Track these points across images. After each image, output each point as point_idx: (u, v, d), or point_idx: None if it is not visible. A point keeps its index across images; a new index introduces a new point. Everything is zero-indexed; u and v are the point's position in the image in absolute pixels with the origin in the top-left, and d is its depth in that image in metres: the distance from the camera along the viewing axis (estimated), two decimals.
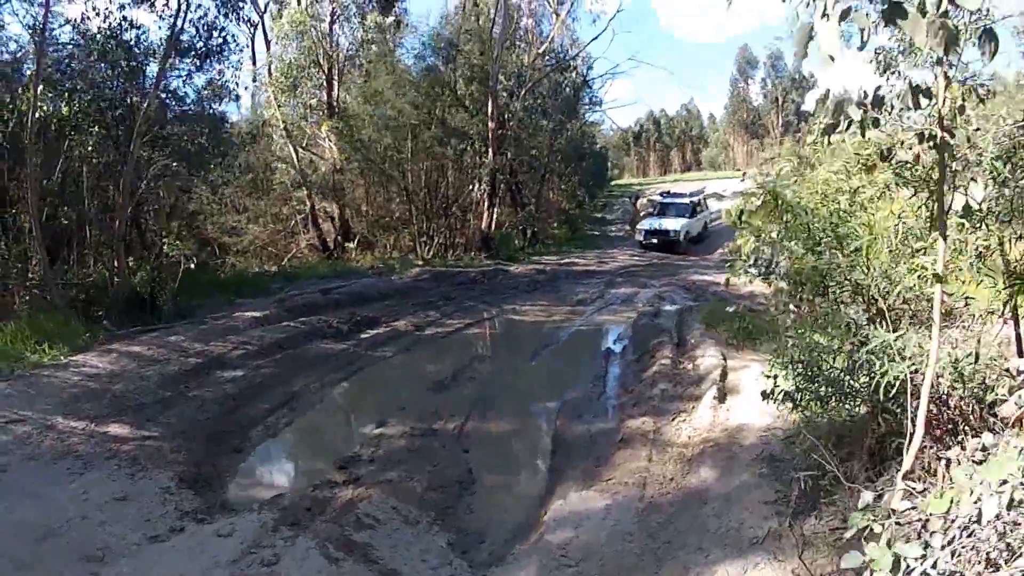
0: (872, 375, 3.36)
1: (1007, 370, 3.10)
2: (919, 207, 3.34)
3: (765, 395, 4.52)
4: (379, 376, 9.68)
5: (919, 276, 3.49)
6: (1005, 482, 2.11)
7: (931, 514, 2.23)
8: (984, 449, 2.49)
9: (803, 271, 3.86)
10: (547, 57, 23.87)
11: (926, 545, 2.15)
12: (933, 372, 2.72)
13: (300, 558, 4.36)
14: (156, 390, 7.60)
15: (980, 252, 3.48)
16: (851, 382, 3.81)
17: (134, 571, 4.11)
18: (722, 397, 6.59)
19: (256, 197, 19.06)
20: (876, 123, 2.70)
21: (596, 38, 34.44)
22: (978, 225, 3.40)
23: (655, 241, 21.91)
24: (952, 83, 2.57)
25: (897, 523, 2.38)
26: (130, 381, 7.69)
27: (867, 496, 2.51)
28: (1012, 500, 2.07)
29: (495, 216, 20.97)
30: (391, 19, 20.14)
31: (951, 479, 2.36)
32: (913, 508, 2.41)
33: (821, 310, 4.09)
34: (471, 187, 21.00)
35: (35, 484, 5.10)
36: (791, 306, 4.38)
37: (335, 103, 19.85)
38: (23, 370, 7.47)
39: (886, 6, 1.98)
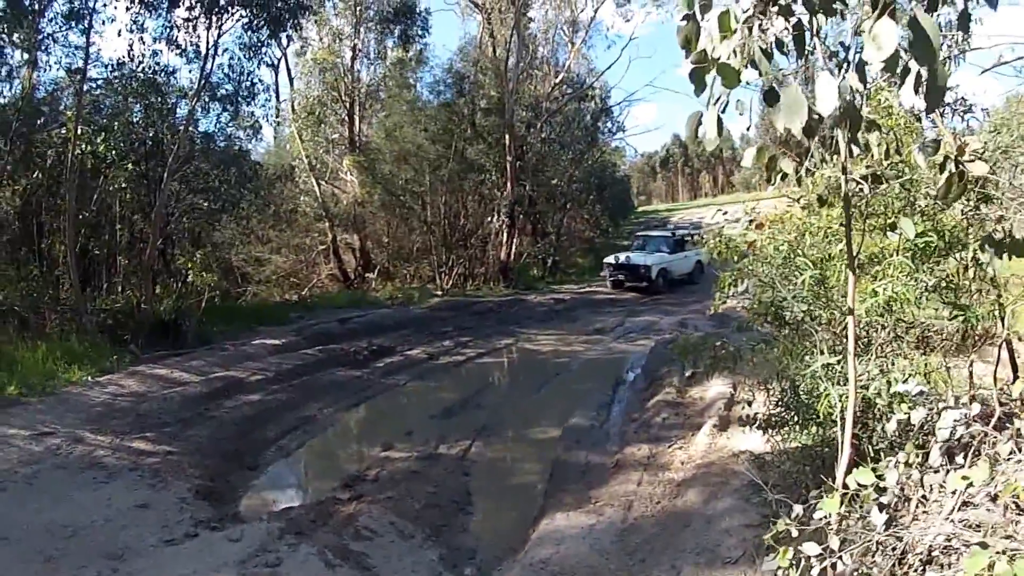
0: (817, 398, 3.71)
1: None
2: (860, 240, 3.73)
3: (742, 421, 4.90)
4: (390, 402, 10.21)
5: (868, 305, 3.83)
6: (884, 490, 2.55)
7: (827, 514, 2.64)
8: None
9: (762, 302, 4.30)
10: (564, 87, 24.51)
11: (825, 546, 2.55)
12: (854, 397, 3.02)
13: (301, 562, 4.84)
14: (178, 410, 8.22)
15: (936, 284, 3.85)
16: (815, 406, 4.17)
17: (150, 568, 4.65)
18: (724, 425, 6.89)
19: (279, 229, 19.98)
20: (810, 173, 3.15)
21: (610, 67, 35.03)
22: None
23: (621, 278, 19.98)
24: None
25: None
26: (154, 401, 8.35)
27: (797, 508, 2.83)
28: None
29: (514, 246, 21.56)
30: (411, 54, 21.16)
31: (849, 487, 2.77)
32: (825, 518, 2.79)
33: (784, 338, 4.47)
34: (490, 218, 21.68)
35: (63, 490, 5.74)
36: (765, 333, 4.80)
37: (356, 137, 20.83)
38: (54, 388, 8.20)
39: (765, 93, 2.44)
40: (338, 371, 11.14)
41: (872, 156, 3.27)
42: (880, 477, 2.69)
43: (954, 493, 2.51)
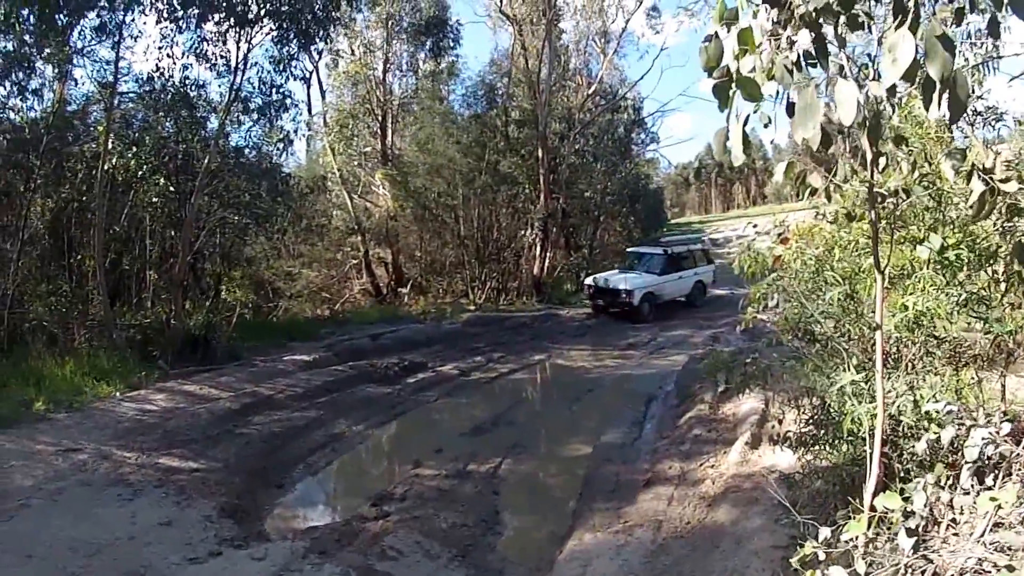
0: (844, 415, 3.60)
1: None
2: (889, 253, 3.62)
3: (773, 440, 4.74)
4: (420, 419, 10.19)
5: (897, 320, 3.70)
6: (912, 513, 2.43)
7: (854, 537, 2.51)
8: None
9: (789, 319, 4.18)
10: (597, 98, 24.51)
11: (852, 570, 2.44)
12: (883, 415, 2.97)
13: None
14: (206, 427, 8.34)
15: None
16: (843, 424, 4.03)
17: None
18: (756, 442, 6.71)
19: (311, 243, 20.24)
20: (838, 187, 3.05)
21: (642, 77, 35.27)
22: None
23: (601, 303, 18.22)
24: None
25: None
26: (182, 418, 8.49)
27: (824, 532, 2.79)
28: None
29: (548, 260, 21.50)
30: (443, 66, 21.38)
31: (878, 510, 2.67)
32: (850, 542, 2.68)
33: (814, 354, 4.35)
34: (523, 232, 21.65)
35: (88, 506, 5.88)
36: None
37: (388, 150, 21.07)
38: (82, 404, 8.36)
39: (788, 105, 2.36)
40: (369, 387, 11.20)
41: (900, 169, 3.19)
42: (907, 500, 2.65)
43: (985, 515, 2.46)
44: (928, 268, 3.74)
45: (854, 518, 2.83)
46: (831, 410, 4.10)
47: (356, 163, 21.42)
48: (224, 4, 11.10)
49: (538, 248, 21.31)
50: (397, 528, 5.96)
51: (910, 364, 3.91)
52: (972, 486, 2.65)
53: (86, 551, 5.06)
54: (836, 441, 4.13)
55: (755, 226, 5.46)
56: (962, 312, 3.78)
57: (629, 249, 20.98)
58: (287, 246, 18.73)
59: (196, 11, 11.05)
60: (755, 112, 2.34)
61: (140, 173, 11.70)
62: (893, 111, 3.43)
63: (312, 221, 19.13)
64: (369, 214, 21.60)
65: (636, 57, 48.78)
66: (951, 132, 4.15)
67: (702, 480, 6.32)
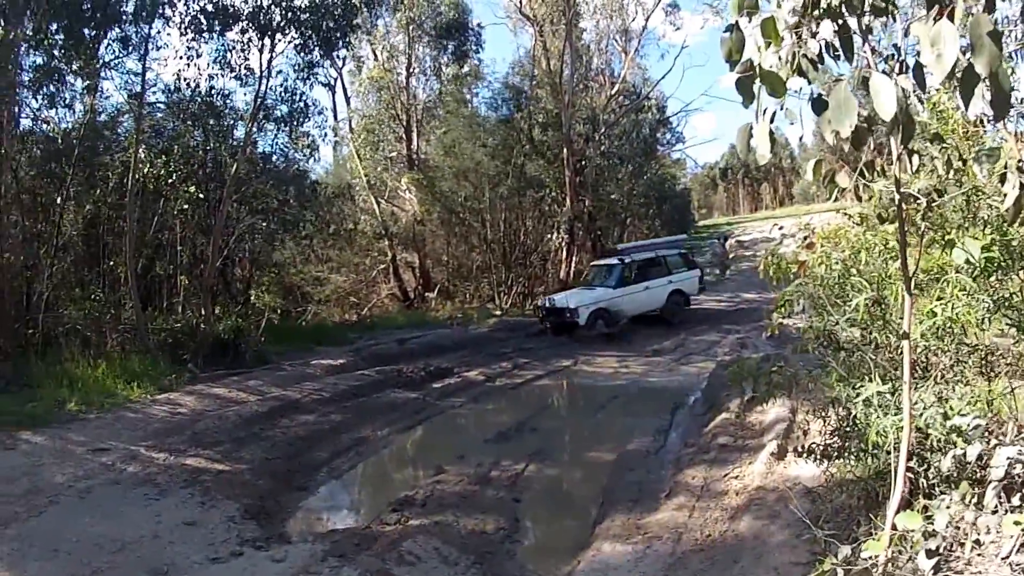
0: (868, 428, 3.53)
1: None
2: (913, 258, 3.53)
3: (797, 452, 4.66)
4: (445, 425, 10.26)
5: (925, 327, 3.61)
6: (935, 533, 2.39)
7: (874, 556, 2.48)
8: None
9: (813, 327, 4.12)
10: (620, 97, 24.44)
11: None
12: (909, 429, 2.91)
13: None
14: (233, 429, 8.52)
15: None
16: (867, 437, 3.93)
17: None
18: (782, 452, 6.59)
19: (339, 248, 20.55)
20: (867, 187, 2.99)
21: (664, 76, 35.00)
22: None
23: (548, 324, 16.62)
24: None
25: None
26: (210, 420, 8.70)
27: (844, 550, 2.77)
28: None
29: (574, 263, 21.47)
30: (466, 69, 21.56)
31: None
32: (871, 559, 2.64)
33: (840, 363, 4.27)
34: (550, 235, 21.68)
35: (115, 505, 6.06)
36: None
37: (414, 155, 21.30)
38: (113, 405, 8.63)
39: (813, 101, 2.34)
40: (394, 392, 11.29)
41: (935, 168, 3.11)
42: (929, 519, 2.60)
43: (1012, 537, 2.39)
44: (958, 272, 3.60)
45: (875, 536, 2.78)
46: (857, 421, 3.97)
47: (382, 168, 21.73)
48: (246, 14, 11.39)
49: (564, 252, 21.32)
50: (416, 533, 5.98)
51: (940, 374, 3.78)
52: (999, 505, 2.58)
53: (111, 548, 5.20)
54: (861, 454, 4.01)
55: (780, 228, 5.40)
56: (995, 318, 3.65)
57: (592, 263, 19.33)
58: (315, 251, 19.07)
59: (219, 22, 11.38)
60: (781, 108, 2.32)
61: (170, 181, 12.05)
62: (922, 105, 3.35)
63: (340, 226, 19.45)
64: (396, 219, 21.86)
65: (657, 57, 48.78)
66: (983, 127, 4.06)
67: (725, 491, 6.21)
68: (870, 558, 2.63)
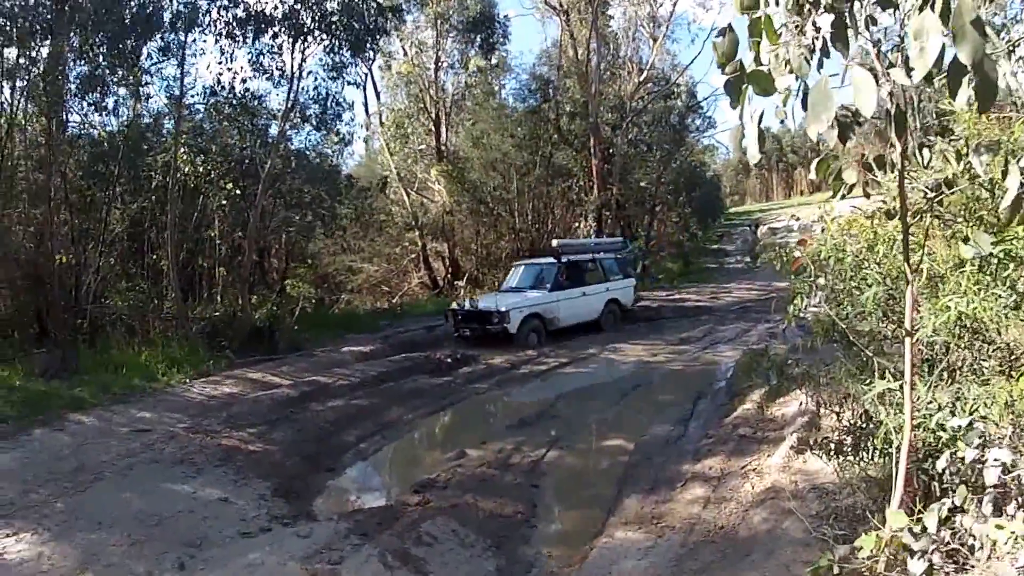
0: (880, 425, 3.52)
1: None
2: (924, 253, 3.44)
3: (811, 447, 4.68)
4: (469, 410, 10.45)
5: (936, 323, 3.53)
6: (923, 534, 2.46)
7: (871, 555, 2.55)
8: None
9: (821, 320, 4.12)
10: (649, 84, 24.20)
11: None
12: (909, 428, 2.88)
13: (361, 562, 5.11)
14: (266, 412, 8.86)
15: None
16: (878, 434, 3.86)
17: (223, 556, 5.10)
18: (801, 446, 6.56)
19: (370, 239, 20.93)
20: (876, 183, 3.00)
21: (693, 61, 34.41)
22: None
23: (468, 332, 14.38)
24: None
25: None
26: (244, 403, 9.07)
27: (840, 549, 2.80)
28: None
29: None
30: (494, 61, 21.66)
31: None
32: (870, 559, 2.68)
33: (851, 358, 4.25)
34: (578, 223, 21.73)
35: (155, 482, 6.40)
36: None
37: (443, 147, 21.52)
38: (156, 388, 9.10)
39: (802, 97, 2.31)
40: (421, 378, 11.53)
41: (947, 161, 3.07)
42: (918, 522, 2.59)
43: (1006, 543, 2.37)
44: (970, 264, 3.52)
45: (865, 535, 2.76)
46: (870, 418, 3.94)
47: (412, 160, 22.00)
48: (278, 19, 11.74)
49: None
50: (435, 515, 6.15)
51: (956, 372, 3.69)
52: (995, 513, 2.53)
53: (150, 522, 5.53)
54: (874, 452, 3.95)
55: (797, 219, 5.36)
56: (1015, 314, 3.52)
57: (515, 263, 17.41)
58: (348, 242, 19.48)
59: (251, 28, 11.76)
60: (783, 104, 2.30)
61: (209, 178, 12.54)
62: (925, 99, 3.32)
63: (371, 218, 19.82)
64: (426, 209, 22.15)
65: (688, 41, 47.41)
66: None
67: (741, 484, 6.20)
68: (868, 557, 2.64)
